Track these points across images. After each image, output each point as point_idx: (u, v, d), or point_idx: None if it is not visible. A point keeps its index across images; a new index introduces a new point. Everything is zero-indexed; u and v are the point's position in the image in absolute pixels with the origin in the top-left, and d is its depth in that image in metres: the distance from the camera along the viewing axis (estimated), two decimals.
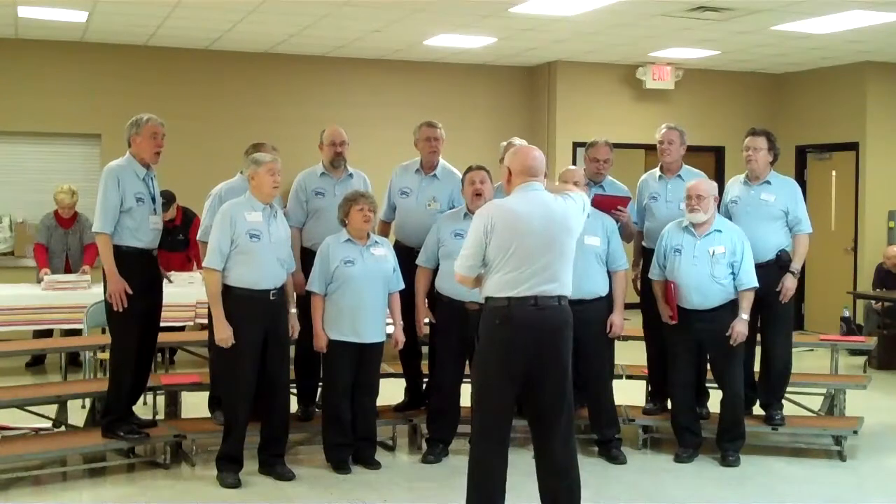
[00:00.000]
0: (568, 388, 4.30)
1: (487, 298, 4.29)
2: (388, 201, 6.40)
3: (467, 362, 5.92)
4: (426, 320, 5.95)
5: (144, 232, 5.54)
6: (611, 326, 5.94)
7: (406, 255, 6.04)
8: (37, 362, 8.85)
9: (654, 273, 6.07)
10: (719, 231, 5.85)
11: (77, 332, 7.74)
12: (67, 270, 8.71)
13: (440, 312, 5.92)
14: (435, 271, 5.93)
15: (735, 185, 6.32)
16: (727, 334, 5.79)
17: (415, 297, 5.92)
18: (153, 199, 5.61)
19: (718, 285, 5.81)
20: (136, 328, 5.54)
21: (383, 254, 5.75)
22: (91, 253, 8.83)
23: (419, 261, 5.96)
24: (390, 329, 5.88)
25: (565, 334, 4.29)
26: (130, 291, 5.42)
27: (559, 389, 4.26)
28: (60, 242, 8.77)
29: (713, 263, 5.79)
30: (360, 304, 5.61)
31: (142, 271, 5.52)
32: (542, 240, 4.21)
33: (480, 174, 5.74)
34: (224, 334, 5.32)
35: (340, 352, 5.63)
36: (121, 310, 5.41)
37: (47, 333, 8.44)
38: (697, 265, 5.81)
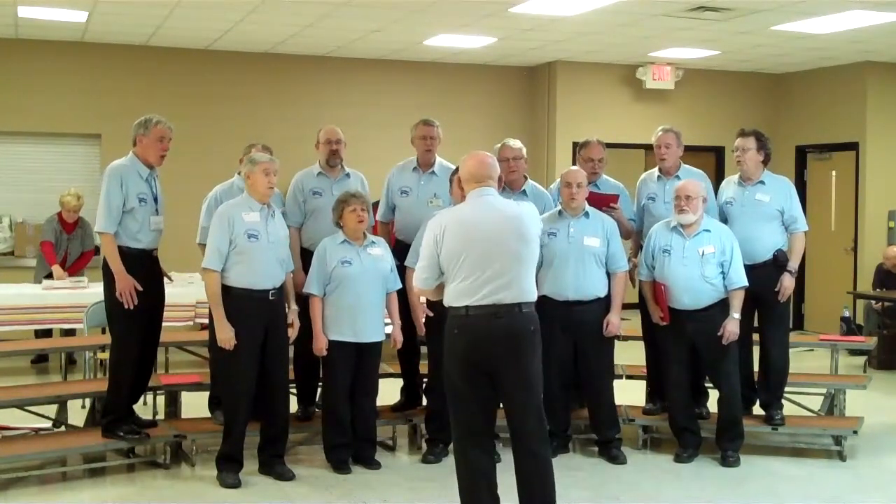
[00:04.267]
0: (535, 397, 4.25)
1: (448, 308, 4.29)
2: (387, 202, 6.36)
3: None
4: (423, 319, 5.93)
5: (145, 233, 5.54)
6: (607, 325, 5.94)
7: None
8: (41, 360, 8.87)
9: (642, 274, 6.07)
10: (708, 231, 5.85)
11: (74, 332, 7.75)
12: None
13: (432, 313, 5.91)
14: None
15: (729, 186, 6.32)
16: (719, 334, 5.79)
17: (408, 297, 5.90)
18: (156, 199, 5.61)
19: (709, 285, 5.81)
20: (136, 328, 5.54)
21: (380, 254, 5.76)
22: (82, 261, 8.87)
23: (408, 262, 5.90)
24: (389, 329, 5.88)
25: (528, 340, 4.23)
26: (140, 288, 5.43)
27: (525, 397, 4.23)
28: (61, 246, 8.82)
29: (703, 264, 5.79)
30: (359, 303, 5.62)
31: (142, 272, 5.50)
32: (494, 246, 4.18)
33: None
34: (226, 335, 5.32)
35: (339, 352, 5.64)
36: (131, 307, 5.41)
37: (47, 333, 8.45)
38: (687, 265, 5.81)
